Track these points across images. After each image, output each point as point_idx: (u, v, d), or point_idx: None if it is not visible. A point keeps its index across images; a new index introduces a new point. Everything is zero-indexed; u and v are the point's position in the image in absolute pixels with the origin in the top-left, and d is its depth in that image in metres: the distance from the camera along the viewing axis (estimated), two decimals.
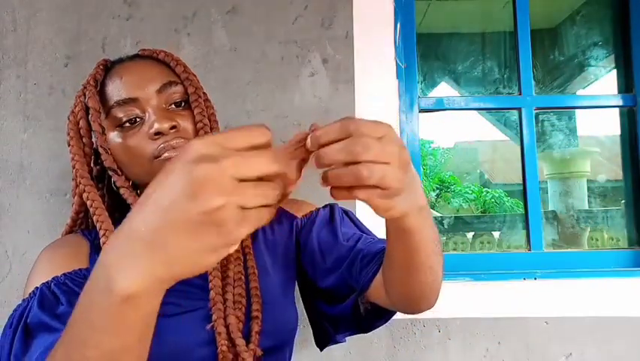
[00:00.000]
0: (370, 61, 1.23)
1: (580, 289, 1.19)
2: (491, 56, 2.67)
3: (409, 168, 0.47)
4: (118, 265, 0.38)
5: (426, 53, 2.63)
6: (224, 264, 0.72)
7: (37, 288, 0.66)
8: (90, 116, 0.73)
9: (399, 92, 1.23)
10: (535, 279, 1.20)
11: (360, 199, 0.45)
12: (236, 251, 0.74)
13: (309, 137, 0.45)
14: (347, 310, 0.77)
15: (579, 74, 2.52)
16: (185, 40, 1.21)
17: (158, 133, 0.70)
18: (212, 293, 0.68)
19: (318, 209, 0.84)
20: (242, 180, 0.36)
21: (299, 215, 0.84)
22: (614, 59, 1.57)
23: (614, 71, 1.53)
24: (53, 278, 0.67)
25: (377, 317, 0.77)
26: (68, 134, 0.75)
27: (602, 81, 2.43)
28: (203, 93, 0.79)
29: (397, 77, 1.23)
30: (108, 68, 0.78)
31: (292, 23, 1.23)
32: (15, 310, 0.65)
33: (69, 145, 0.75)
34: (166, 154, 0.70)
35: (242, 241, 0.68)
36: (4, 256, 1.15)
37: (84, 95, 0.75)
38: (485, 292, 1.19)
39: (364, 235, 0.78)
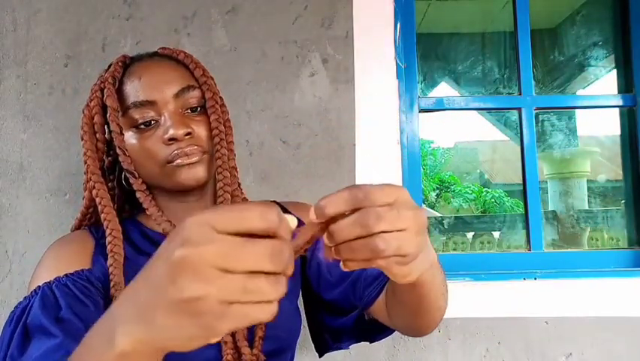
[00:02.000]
0: (370, 61, 1.23)
1: (580, 289, 1.19)
2: (491, 56, 2.68)
3: (425, 229, 0.44)
4: (121, 321, 0.37)
5: (426, 53, 2.63)
6: None
7: (39, 287, 0.65)
8: (109, 115, 0.72)
9: (399, 92, 1.23)
10: (535, 279, 1.19)
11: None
12: None
13: (311, 208, 0.41)
14: (349, 323, 0.78)
15: (579, 74, 2.52)
16: (185, 40, 1.21)
17: (173, 139, 0.70)
18: None
19: None
20: (228, 271, 0.33)
21: (306, 222, 0.83)
22: (614, 59, 1.57)
23: (614, 71, 1.53)
24: (55, 279, 0.66)
25: (380, 330, 0.77)
26: (82, 128, 0.74)
27: (602, 81, 2.43)
28: (220, 98, 0.78)
29: (397, 77, 1.23)
30: (127, 64, 0.77)
31: (292, 23, 1.23)
32: (16, 307, 0.65)
33: (82, 139, 0.74)
34: (179, 160, 0.70)
35: None
36: (4, 256, 1.15)
37: (101, 90, 0.74)
38: (485, 292, 1.19)
39: None
